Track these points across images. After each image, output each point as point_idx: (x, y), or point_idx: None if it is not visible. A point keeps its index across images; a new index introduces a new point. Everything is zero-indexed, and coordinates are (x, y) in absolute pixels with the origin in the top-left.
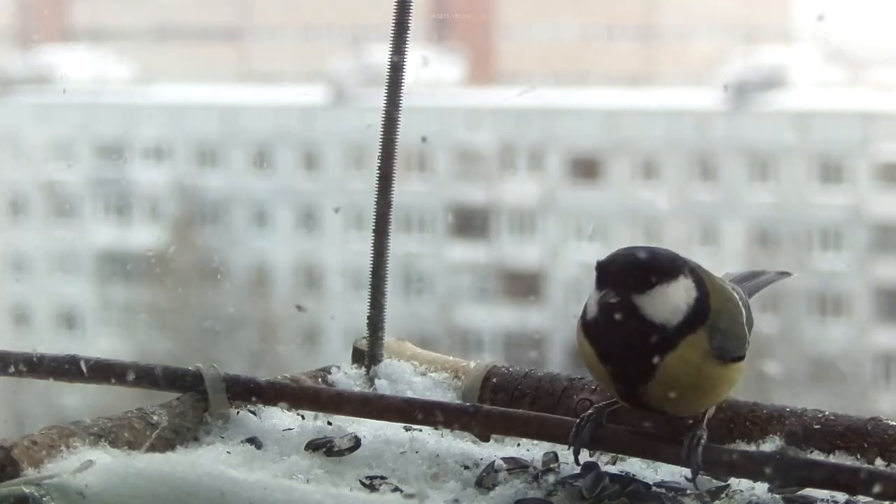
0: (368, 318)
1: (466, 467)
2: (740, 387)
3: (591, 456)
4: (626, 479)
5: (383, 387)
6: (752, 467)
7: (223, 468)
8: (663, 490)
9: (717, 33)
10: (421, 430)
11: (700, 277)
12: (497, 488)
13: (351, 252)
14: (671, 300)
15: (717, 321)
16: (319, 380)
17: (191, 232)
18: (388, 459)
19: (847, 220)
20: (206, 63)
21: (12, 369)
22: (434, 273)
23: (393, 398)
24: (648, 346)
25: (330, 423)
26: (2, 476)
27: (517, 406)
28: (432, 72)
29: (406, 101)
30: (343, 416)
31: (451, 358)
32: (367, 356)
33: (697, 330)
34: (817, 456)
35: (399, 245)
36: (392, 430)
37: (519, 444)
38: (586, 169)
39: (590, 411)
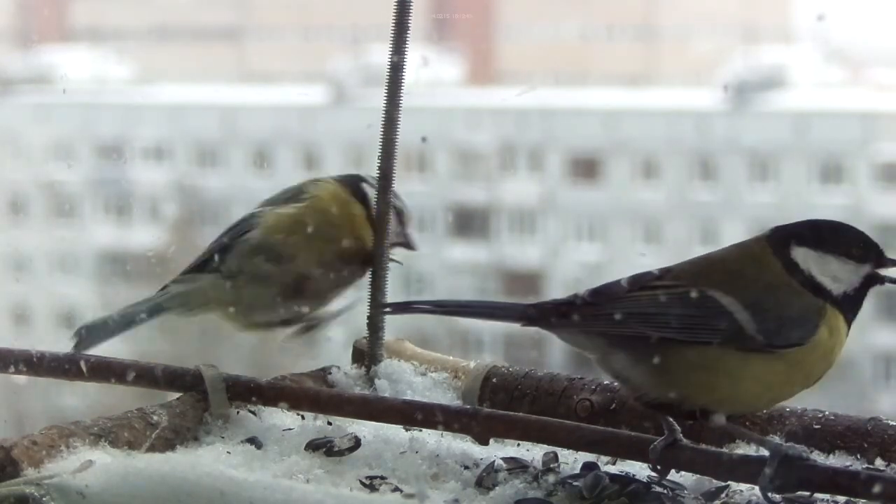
0: (368, 318)
1: (466, 467)
2: None
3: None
4: (626, 479)
5: (383, 387)
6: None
7: (223, 468)
8: (663, 490)
9: (717, 33)
10: (421, 430)
11: None
12: (497, 488)
13: None
14: None
15: None
16: (322, 383)
17: (191, 232)
18: (388, 459)
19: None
20: (206, 63)
21: (12, 368)
22: (434, 273)
23: (393, 400)
24: None
25: (330, 423)
26: (2, 476)
27: (517, 406)
28: (432, 72)
29: (406, 101)
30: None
31: (451, 358)
32: (367, 356)
33: None
34: (817, 456)
35: None
36: (392, 430)
37: (519, 444)
38: (586, 169)
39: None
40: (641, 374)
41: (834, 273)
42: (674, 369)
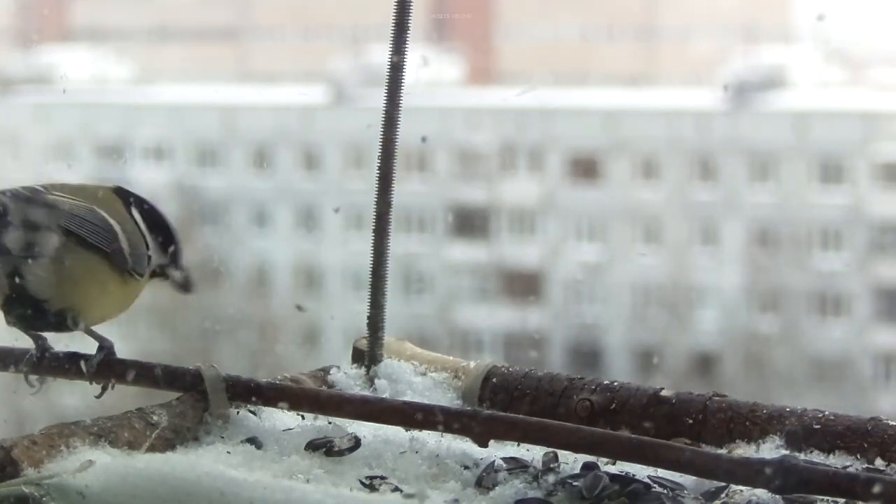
0: (368, 318)
1: (466, 467)
2: (740, 386)
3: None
4: (626, 479)
5: (383, 387)
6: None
7: (223, 468)
8: (663, 490)
9: (717, 33)
10: (421, 430)
11: None
12: (497, 488)
13: (351, 252)
14: None
15: None
16: (322, 384)
17: (191, 232)
18: (388, 459)
19: (847, 220)
20: (206, 63)
21: (12, 368)
22: (434, 273)
23: (393, 400)
24: None
25: (330, 423)
26: (2, 476)
27: (517, 406)
28: (432, 72)
29: (406, 101)
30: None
31: (451, 358)
32: (367, 356)
33: None
34: (817, 456)
35: (399, 245)
36: (392, 430)
37: (519, 444)
38: (586, 169)
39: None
40: None
41: None
42: None
